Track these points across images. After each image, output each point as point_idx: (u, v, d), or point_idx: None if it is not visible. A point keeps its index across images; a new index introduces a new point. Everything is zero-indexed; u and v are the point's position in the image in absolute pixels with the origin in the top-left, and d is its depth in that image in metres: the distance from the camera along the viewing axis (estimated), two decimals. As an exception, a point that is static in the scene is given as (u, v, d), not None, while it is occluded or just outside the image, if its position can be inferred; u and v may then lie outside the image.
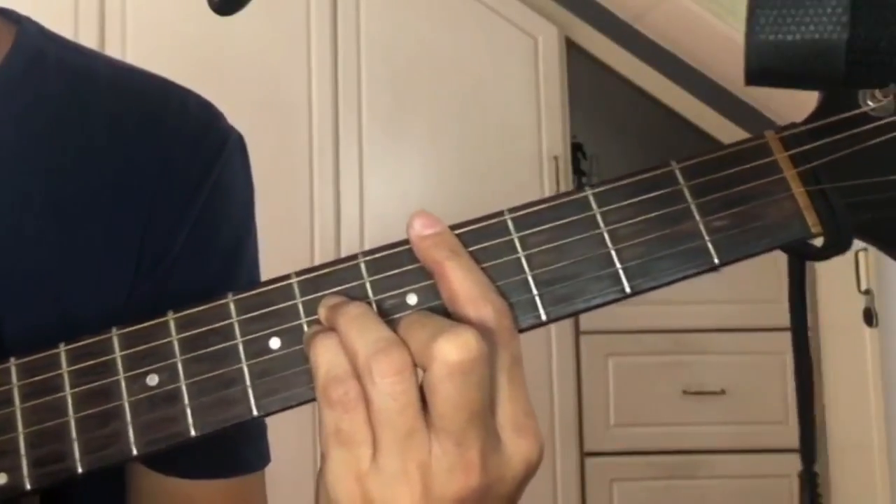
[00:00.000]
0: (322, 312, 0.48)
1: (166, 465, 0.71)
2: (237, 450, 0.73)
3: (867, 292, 2.50)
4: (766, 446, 2.70)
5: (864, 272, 2.48)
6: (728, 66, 2.85)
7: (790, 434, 2.70)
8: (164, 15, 2.62)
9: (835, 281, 2.51)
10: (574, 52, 2.98)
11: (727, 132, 2.99)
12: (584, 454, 2.69)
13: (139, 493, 0.72)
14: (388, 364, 0.43)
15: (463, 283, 0.46)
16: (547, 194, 2.80)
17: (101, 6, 2.60)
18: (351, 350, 0.45)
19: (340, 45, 2.74)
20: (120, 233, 0.69)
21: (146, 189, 0.70)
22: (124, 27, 2.61)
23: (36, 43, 0.72)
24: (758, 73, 0.46)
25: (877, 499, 2.55)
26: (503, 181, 2.73)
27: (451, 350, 0.43)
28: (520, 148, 2.79)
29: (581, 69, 3.02)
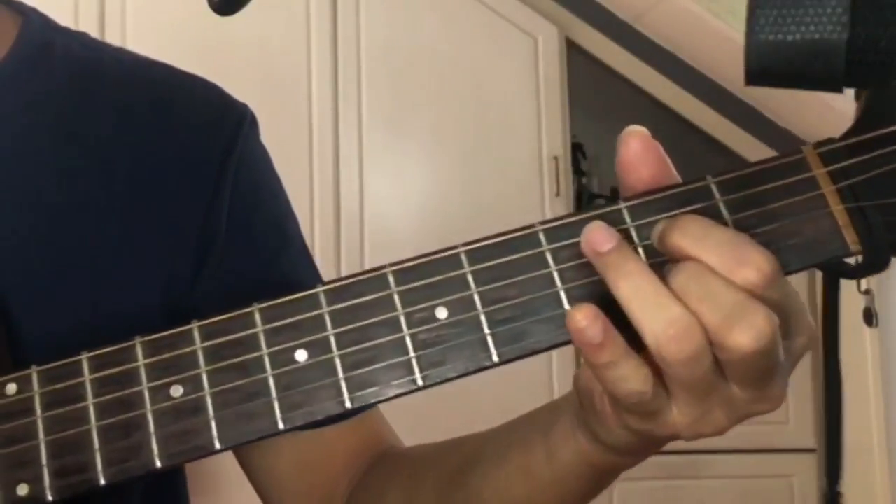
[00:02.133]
0: (608, 273, 0.45)
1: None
2: None
3: (867, 292, 2.49)
4: (766, 446, 2.70)
5: (864, 272, 2.47)
6: (728, 66, 2.84)
7: (790, 434, 2.71)
8: (163, 14, 2.62)
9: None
10: (574, 52, 2.98)
11: (727, 132, 2.99)
12: (583, 454, 2.69)
13: (270, 462, 0.73)
14: (679, 352, 0.43)
15: (711, 257, 0.44)
16: (547, 194, 2.81)
17: (101, 4, 2.60)
18: (639, 328, 0.44)
19: (340, 45, 2.74)
20: (149, 225, 0.69)
21: (169, 179, 0.70)
22: (124, 25, 2.61)
23: (41, 34, 0.71)
24: (758, 73, 0.46)
25: (877, 499, 2.55)
26: (503, 181, 2.73)
27: (748, 342, 0.43)
28: (520, 148, 2.79)
29: (581, 69, 3.02)
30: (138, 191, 0.69)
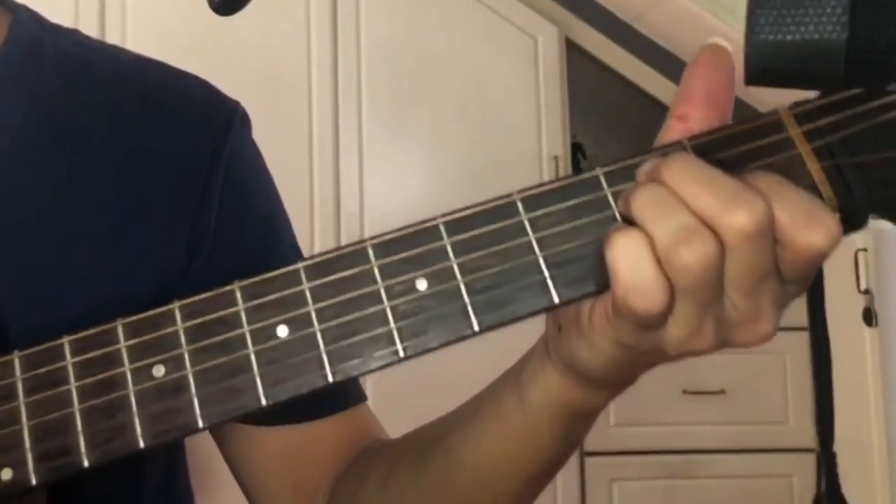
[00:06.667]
0: (620, 203, 0.47)
1: (293, 415, 0.72)
2: (344, 386, 0.76)
3: (867, 292, 2.50)
4: (766, 446, 2.70)
5: (864, 272, 2.47)
6: (728, 66, 2.84)
7: (790, 434, 2.71)
8: (163, 14, 2.62)
9: (835, 281, 2.49)
10: (574, 52, 2.98)
11: (727, 132, 2.98)
12: (583, 454, 2.69)
13: (256, 456, 0.73)
14: (691, 257, 0.44)
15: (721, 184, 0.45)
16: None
17: (101, 4, 2.61)
18: (651, 238, 0.44)
19: (340, 45, 2.74)
20: (140, 221, 0.69)
21: (160, 175, 0.70)
22: (124, 25, 2.61)
23: (32, 33, 0.71)
24: (758, 73, 0.46)
25: (877, 499, 2.55)
26: (503, 181, 2.72)
27: (746, 219, 0.43)
28: (520, 148, 2.79)
29: (581, 69, 3.02)
30: (129, 187, 0.69)
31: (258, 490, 0.74)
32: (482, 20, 2.81)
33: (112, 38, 2.55)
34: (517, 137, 2.79)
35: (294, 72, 2.71)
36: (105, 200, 0.68)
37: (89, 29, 2.51)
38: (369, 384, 2.58)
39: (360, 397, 0.75)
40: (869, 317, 2.46)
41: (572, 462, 2.66)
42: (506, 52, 2.82)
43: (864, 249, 2.47)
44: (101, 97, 0.71)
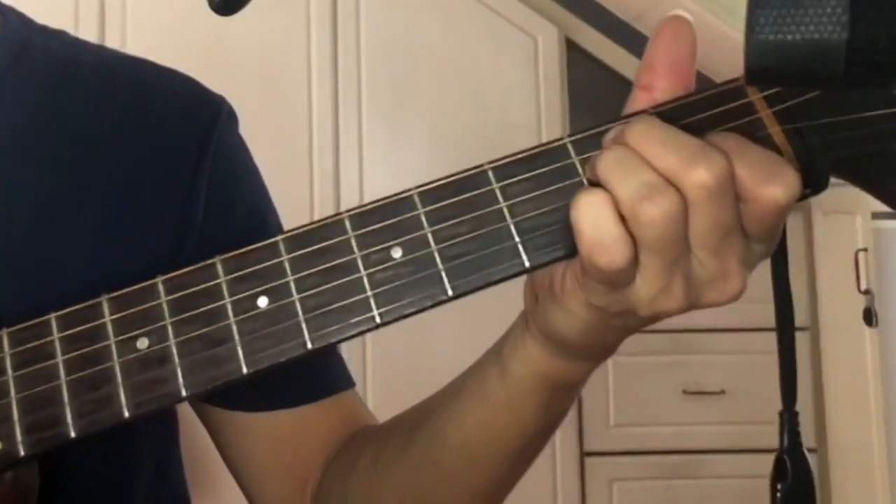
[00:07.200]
0: (587, 169, 0.48)
1: (282, 400, 0.73)
2: (332, 370, 0.76)
3: (867, 292, 2.50)
4: (766, 446, 2.68)
5: (864, 272, 2.48)
6: (728, 65, 2.84)
7: (790, 434, 2.70)
8: (163, 14, 2.62)
9: (835, 281, 2.51)
10: (574, 52, 2.98)
11: (727, 132, 2.98)
12: (583, 454, 2.69)
13: (247, 442, 0.74)
14: (655, 212, 0.44)
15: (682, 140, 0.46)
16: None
17: (101, 4, 2.61)
18: (615, 197, 0.45)
19: (340, 45, 2.74)
20: (129, 216, 0.69)
21: (148, 169, 0.71)
22: (124, 25, 2.61)
23: (20, 33, 0.72)
24: (758, 73, 0.46)
25: (877, 499, 2.55)
26: (503, 181, 2.73)
27: (707, 175, 0.44)
28: (520, 147, 2.79)
29: (581, 69, 3.02)
30: (118, 181, 0.70)
31: (250, 477, 0.75)
32: (482, 20, 2.81)
33: (112, 38, 2.55)
34: (517, 137, 2.79)
35: (294, 72, 2.71)
36: (94, 195, 0.69)
37: (89, 29, 2.51)
38: (370, 384, 2.58)
39: (348, 383, 0.76)
40: (869, 317, 2.47)
41: (572, 462, 2.66)
42: (506, 51, 2.82)
43: (865, 249, 2.47)
44: (89, 94, 0.72)
